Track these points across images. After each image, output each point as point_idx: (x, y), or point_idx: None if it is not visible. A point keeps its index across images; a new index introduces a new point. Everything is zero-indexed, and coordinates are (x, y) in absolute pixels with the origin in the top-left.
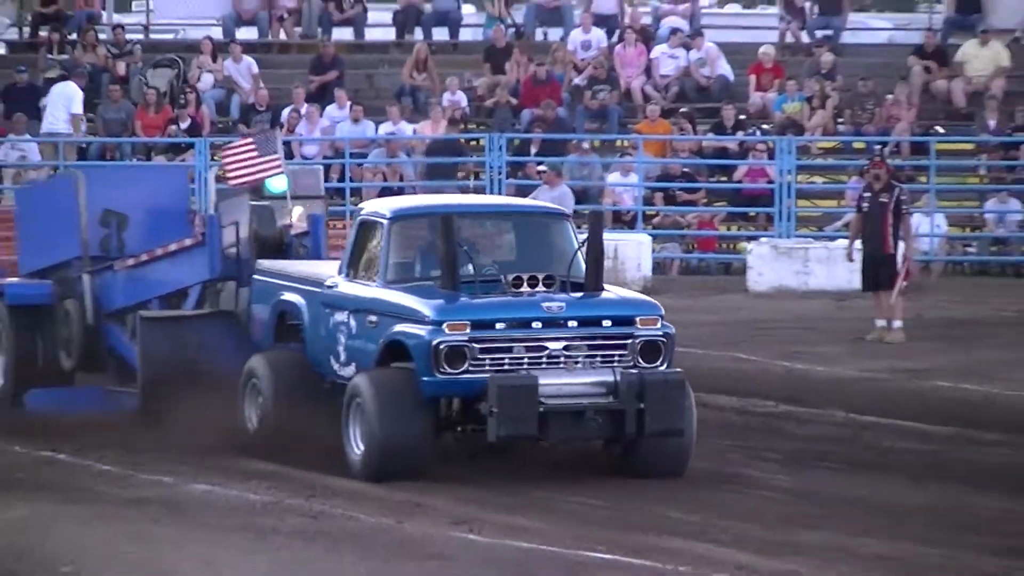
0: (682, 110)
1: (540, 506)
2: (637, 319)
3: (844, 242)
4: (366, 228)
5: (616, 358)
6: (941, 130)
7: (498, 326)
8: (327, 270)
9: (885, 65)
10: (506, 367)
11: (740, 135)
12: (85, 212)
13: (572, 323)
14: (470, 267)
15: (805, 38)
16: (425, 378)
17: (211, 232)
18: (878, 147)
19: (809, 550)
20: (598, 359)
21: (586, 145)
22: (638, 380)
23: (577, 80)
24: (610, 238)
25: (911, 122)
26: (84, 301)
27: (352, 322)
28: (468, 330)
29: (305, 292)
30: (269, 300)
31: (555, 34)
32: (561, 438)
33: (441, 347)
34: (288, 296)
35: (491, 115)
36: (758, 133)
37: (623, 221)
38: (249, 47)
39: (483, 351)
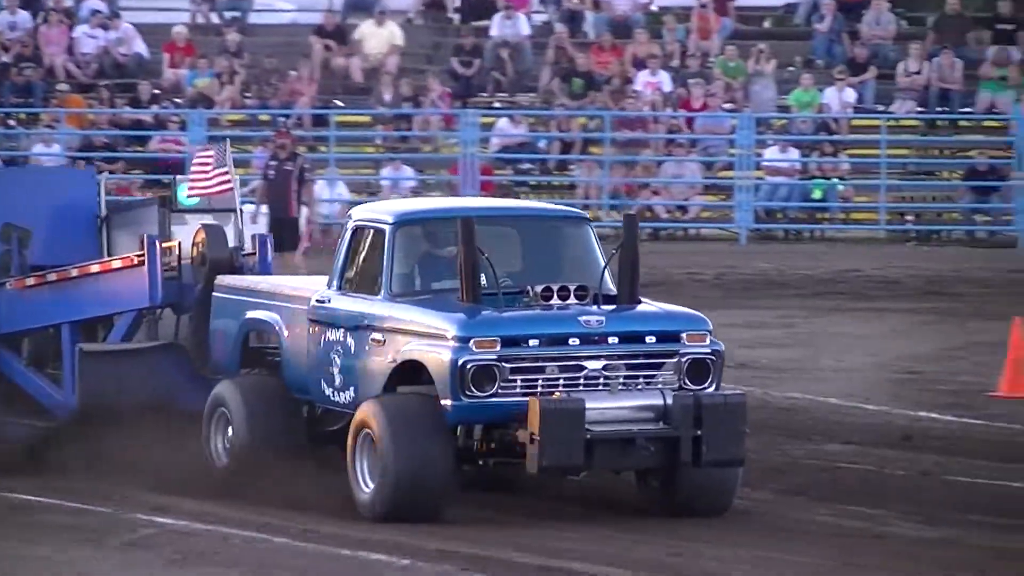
0: (103, 84)
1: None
2: (683, 335)
3: (251, 207)
4: (361, 235)
5: (660, 379)
6: (340, 104)
7: (531, 343)
8: (303, 283)
9: (289, 44)
10: (539, 389)
11: (155, 108)
12: None
13: (612, 339)
14: (490, 277)
15: (215, 19)
16: (448, 402)
17: (151, 254)
18: (282, 119)
19: None
20: (640, 380)
21: (12, 121)
22: (694, 403)
23: (4, 58)
24: None
25: (312, 96)
26: None
27: (350, 341)
28: (498, 347)
29: (284, 309)
30: (234, 320)
31: None
32: (608, 468)
33: (468, 367)
34: (259, 314)
35: None
36: (172, 107)
37: None
38: None
39: (514, 371)
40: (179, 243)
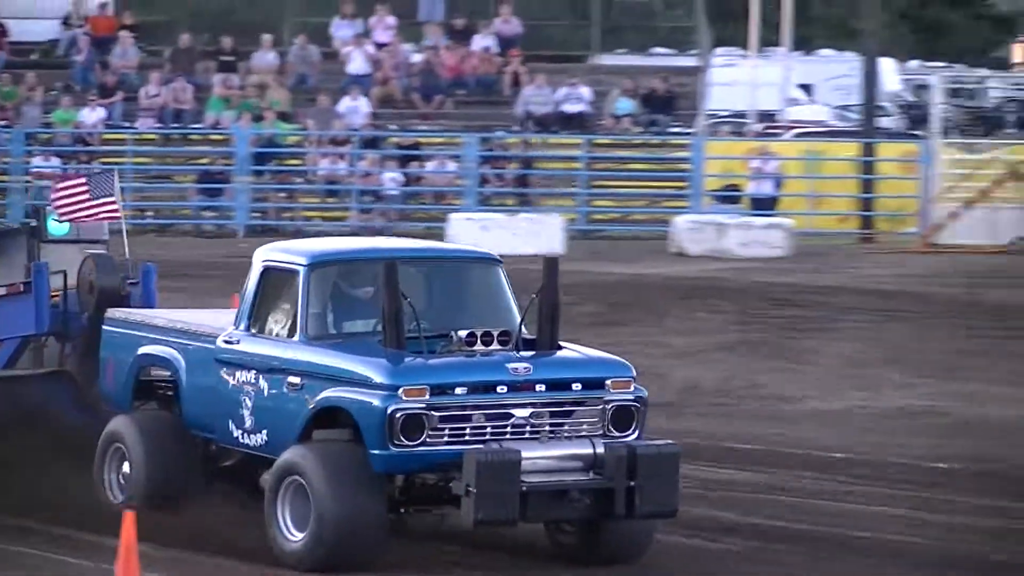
0: None
1: None
2: (607, 381)
3: None
4: (271, 276)
5: (584, 426)
6: None
7: (458, 391)
8: (202, 319)
9: None
10: (467, 438)
11: None
12: None
13: (540, 387)
14: (412, 322)
15: None
16: (376, 451)
17: (38, 281)
18: None
19: None
20: (565, 427)
21: None
22: (628, 454)
23: None
24: None
25: None
26: None
27: (262, 383)
28: (427, 396)
29: (185, 347)
30: (126, 354)
31: None
32: (542, 520)
33: (397, 415)
34: (155, 349)
35: None
36: None
37: None
38: None
39: (442, 419)
40: (64, 272)
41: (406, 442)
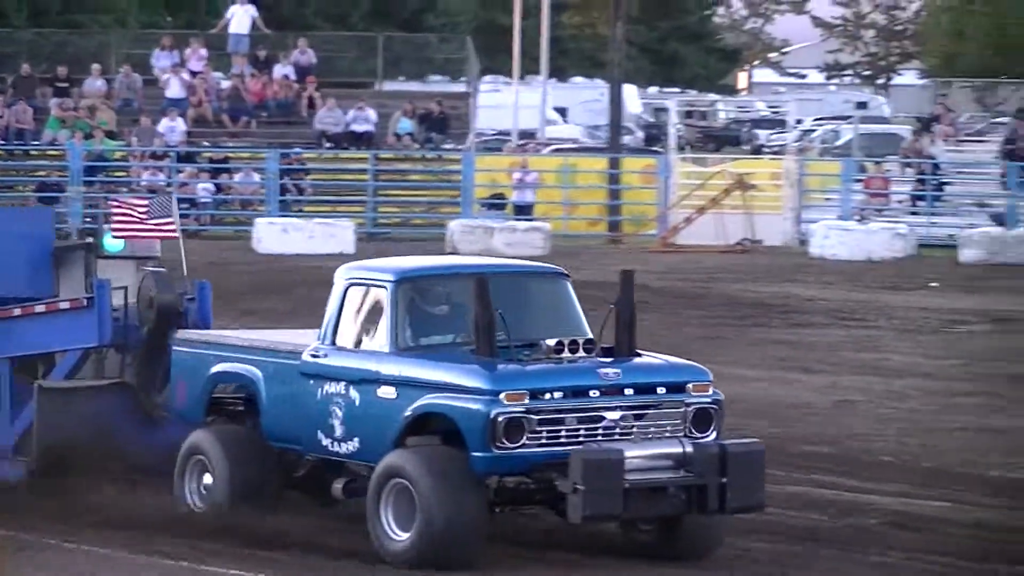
0: None
1: None
2: (689, 385)
3: None
4: (356, 293)
5: (668, 427)
6: None
7: (555, 395)
8: (278, 337)
9: None
10: (562, 440)
11: None
12: None
13: (628, 391)
14: (503, 332)
15: None
16: (478, 454)
17: (100, 296)
18: None
19: None
20: (651, 429)
21: None
22: (719, 452)
23: None
24: None
25: None
26: None
27: (353, 394)
28: (526, 400)
29: (265, 363)
30: (200, 373)
31: None
32: (642, 516)
33: (500, 419)
34: (231, 367)
35: None
36: None
37: None
38: None
39: (540, 423)
40: (125, 287)
41: (507, 444)
